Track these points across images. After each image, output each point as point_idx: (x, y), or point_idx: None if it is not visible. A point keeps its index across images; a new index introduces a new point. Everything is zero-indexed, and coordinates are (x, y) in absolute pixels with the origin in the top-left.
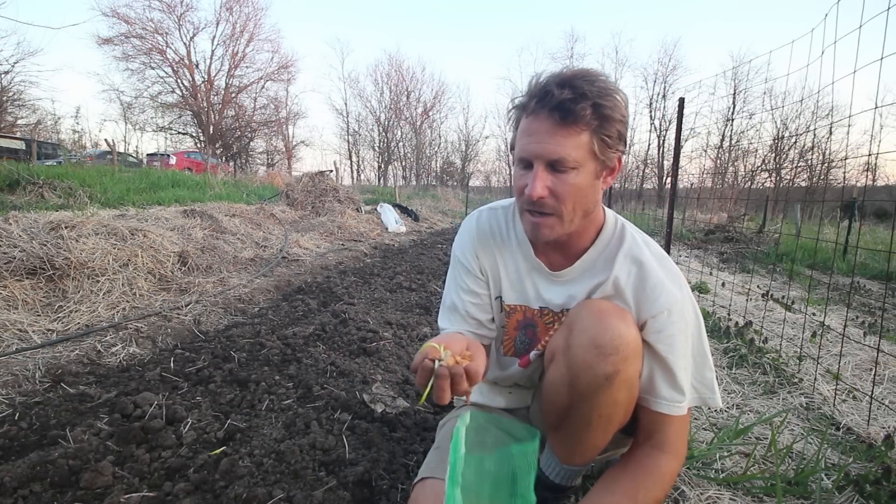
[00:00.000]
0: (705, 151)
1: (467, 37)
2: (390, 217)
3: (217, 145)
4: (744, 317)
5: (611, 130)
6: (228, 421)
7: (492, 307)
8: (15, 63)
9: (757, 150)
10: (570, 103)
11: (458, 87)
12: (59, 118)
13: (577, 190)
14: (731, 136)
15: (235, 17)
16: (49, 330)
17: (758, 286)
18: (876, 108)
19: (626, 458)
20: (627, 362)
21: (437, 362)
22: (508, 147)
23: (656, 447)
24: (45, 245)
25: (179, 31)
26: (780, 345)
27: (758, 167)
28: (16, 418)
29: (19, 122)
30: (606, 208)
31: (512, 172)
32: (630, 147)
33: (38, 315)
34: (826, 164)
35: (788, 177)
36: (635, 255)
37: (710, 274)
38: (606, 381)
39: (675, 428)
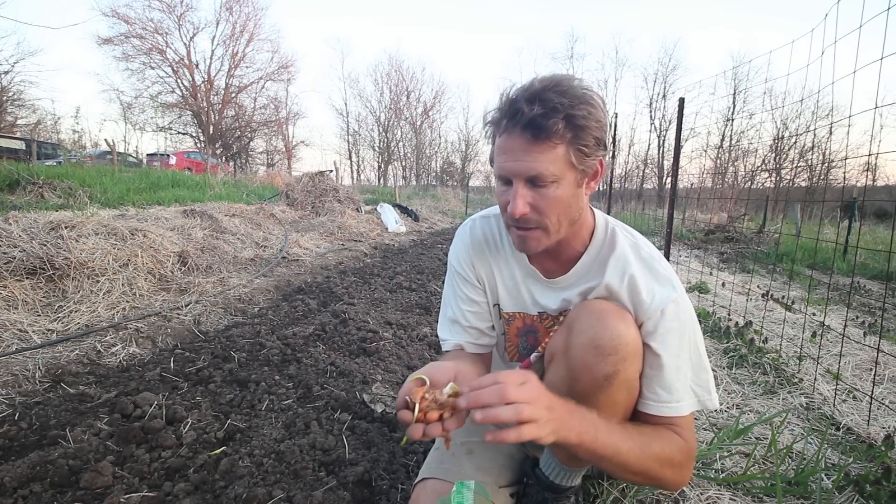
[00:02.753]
0: (705, 151)
1: (467, 37)
2: (390, 217)
3: (217, 145)
4: (744, 317)
5: (587, 140)
6: (228, 421)
7: (491, 314)
8: (15, 63)
9: (757, 150)
10: (540, 119)
11: (458, 87)
12: (59, 118)
13: (559, 202)
14: (731, 136)
15: (235, 17)
16: (49, 330)
17: (758, 286)
18: (876, 108)
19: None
20: (627, 362)
21: (415, 408)
22: (489, 161)
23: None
24: (45, 245)
25: (179, 31)
26: (780, 345)
27: (758, 167)
28: (16, 418)
29: (19, 122)
30: (597, 211)
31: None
32: (630, 147)
33: (38, 315)
34: (826, 164)
35: (788, 177)
36: (626, 259)
37: (710, 274)
38: (606, 382)
39: (680, 427)
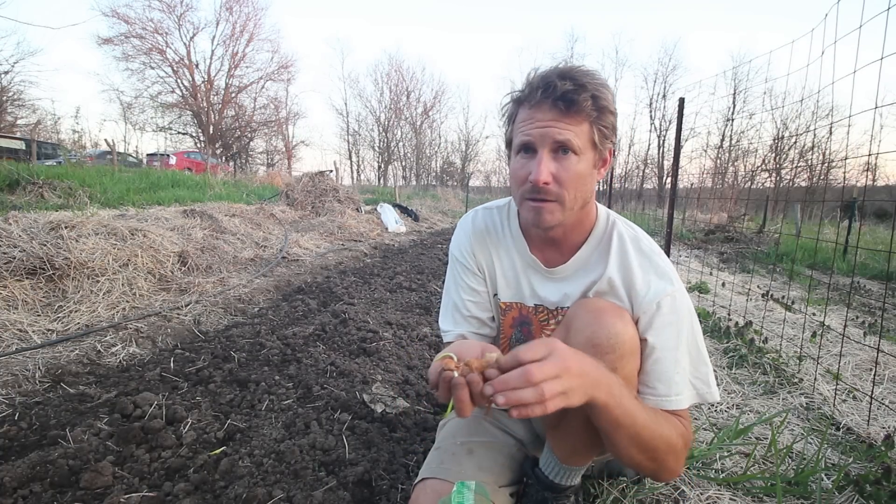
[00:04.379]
0: (705, 151)
1: (467, 37)
2: (390, 217)
3: (217, 145)
4: (744, 317)
5: (607, 121)
6: (228, 421)
7: (491, 304)
8: (15, 63)
9: (757, 150)
10: (572, 94)
11: (458, 87)
12: (59, 118)
13: (579, 177)
14: (731, 136)
15: (235, 17)
16: (49, 330)
17: (758, 286)
18: (876, 108)
19: None
20: (624, 360)
21: (454, 373)
22: (505, 143)
23: None
24: (45, 245)
25: (179, 31)
26: (780, 345)
27: (758, 167)
28: (16, 418)
29: (19, 122)
30: (599, 204)
31: (510, 166)
32: (630, 147)
33: (38, 315)
34: (826, 164)
35: (788, 177)
36: (625, 252)
37: (710, 274)
38: None
39: (679, 417)
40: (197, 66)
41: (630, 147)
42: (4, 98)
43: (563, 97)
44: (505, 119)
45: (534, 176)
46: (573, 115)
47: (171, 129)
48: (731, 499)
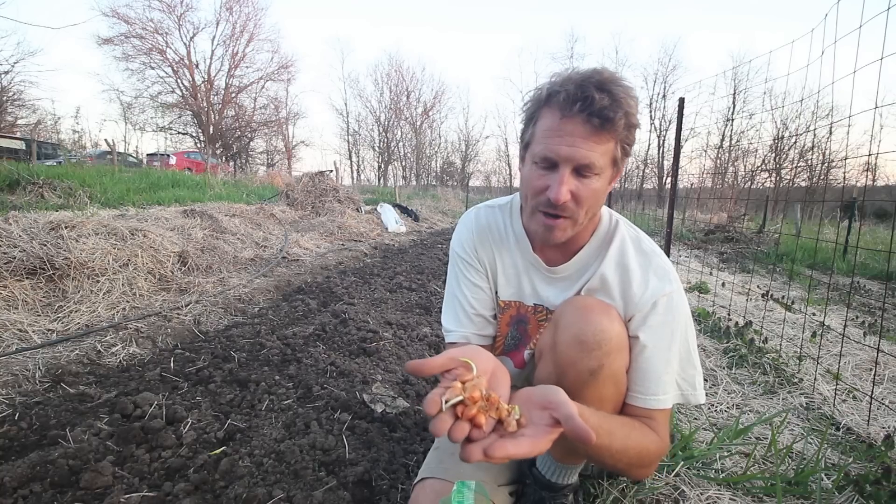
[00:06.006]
0: (705, 151)
1: (467, 37)
2: (390, 217)
3: (217, 145)
4: (744, 317)
5: (632, 139)
6: (228, 421)
7: (493, 302)
8: (15, 63)
9: (757, 150)
10: (608, 111)
11: (457, 87)
12: (59, 118)
13: (595, 195)
14: (731, 136)
15: (235, 17)
16: (49, 330)
17: (758, 286)
18: (876, 108)
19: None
20: (611, 357)
21: (444, 403)
22: (520, 140)
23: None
24: (45, 245)
25: (179, 31)
26: (780, 345)
27: (758, 167)
28: (16, 418)
29: (19, 122)
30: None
31: (522, 168)
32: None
33: (38, 315)
34: (826, 164)
35: (788, 177)
36: (624, 251)
37: (710, 274)
38: (591, 377)
39: (657, 421)
40: (197, 66)
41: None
42: (4, 98)
43: (599, 113)
44: (525, 116)
45: (553, 195)
46: (604, 134)
47: (171, 129)
48: (731, 499)
